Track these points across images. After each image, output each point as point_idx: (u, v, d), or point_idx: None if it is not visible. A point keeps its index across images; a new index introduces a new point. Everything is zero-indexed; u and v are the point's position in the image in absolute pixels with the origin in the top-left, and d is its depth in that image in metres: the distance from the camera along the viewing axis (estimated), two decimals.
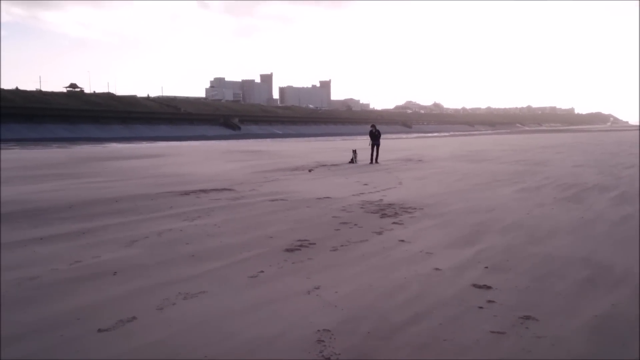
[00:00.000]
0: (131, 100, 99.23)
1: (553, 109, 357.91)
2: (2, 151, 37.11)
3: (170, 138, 74.60)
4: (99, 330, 4.62)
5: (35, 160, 26.75)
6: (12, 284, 5.89)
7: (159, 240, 7.98)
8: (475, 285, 5.75)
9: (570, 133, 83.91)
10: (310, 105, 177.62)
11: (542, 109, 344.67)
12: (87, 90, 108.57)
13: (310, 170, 16.10)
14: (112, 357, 4.15)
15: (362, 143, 38.56)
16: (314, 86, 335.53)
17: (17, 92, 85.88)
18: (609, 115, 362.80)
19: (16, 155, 31.32)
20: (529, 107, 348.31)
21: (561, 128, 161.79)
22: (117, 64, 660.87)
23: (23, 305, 5.25)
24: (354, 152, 24.06)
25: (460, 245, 7.60)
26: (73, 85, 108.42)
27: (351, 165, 22.80)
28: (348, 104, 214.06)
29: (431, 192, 13.36)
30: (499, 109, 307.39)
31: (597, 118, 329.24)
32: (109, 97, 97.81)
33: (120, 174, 18.74)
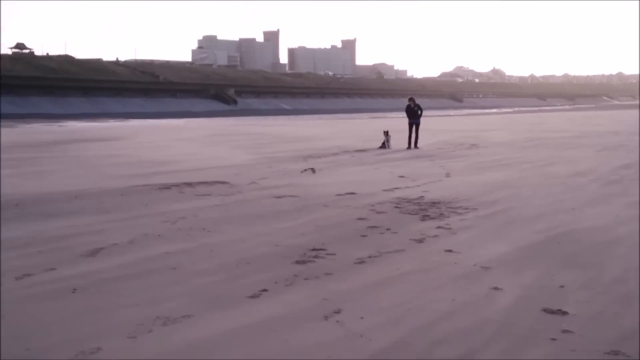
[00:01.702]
0: (95, 66, 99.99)
1: None
2: None
3: (146, 115, 75.12)
4: None
5: None
6: None
7: (130, 248, 8.03)
8: (546, 310, 5.71)
9: None
10: (329, 72, 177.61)
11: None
12: (37, 52, 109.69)
13: (313, 171, 16.00)
14: None
15: (398, 122, 38.54)
16: (334, 47, 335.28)
17: None
18: None
19: None
20: (619, 75, 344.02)
21: None
22: (78, 19, 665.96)
23: None
24: (386, 134, 24.02)
25: (527, 257, 7.53)
26: (20, 46, 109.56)
27: (382, 151, 22.78)
28: (379, 71, 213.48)
29: (489, 186, 13.26)
30: (579, 77, 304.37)
31: None
32: (66, 61, 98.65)
33: (81, 162, 18.91)
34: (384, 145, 23.62)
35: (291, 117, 74.84)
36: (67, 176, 15.29)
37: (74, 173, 15.98)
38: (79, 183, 13.88)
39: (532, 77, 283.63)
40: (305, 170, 16.16)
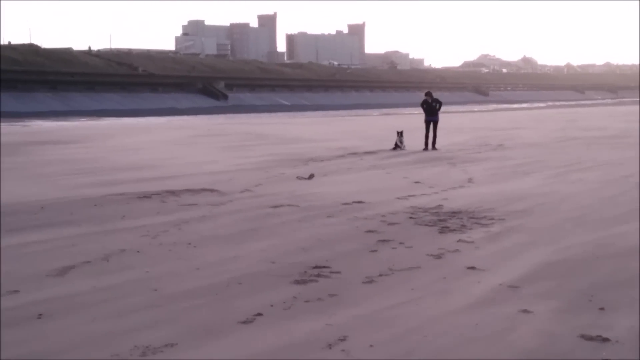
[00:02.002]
0: (65, 56, 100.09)
1: None
2: None
3: (123, 112, 75.18)
4: None
5: None
6: None
7: (105, 266, 8.04)
8: (584, 336, 5.71)
9: None
10: (334, 62, 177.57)
11: None
12: None
13: (310, 177, 15.86)
14: None
15: (413, 120, 38.53)
16: (339, 33, 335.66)
17: None
18: None
19: None
20: None
21: None
22: (44, 3, 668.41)
23: None
24: (399, 134, 24.02)
25: (561, 275, 7.54)
26: None
27: (395, 153, 22.78)
28: (391, 60, 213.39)
29: (517, 193, 13.26)
30: (623, 67, 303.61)
31: None
32: (31, 50, 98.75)
33: (48, 167, 18.92)
34: (396, 147, 23.63)
35: (290, 114, 74.82)
36: (32, 184, 15.30)
37: (40, 180, 15.98)
38: (45, 192, 13.88)
39: (568, 66, 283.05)
40: (302, 178, 15.92)
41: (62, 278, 7.57)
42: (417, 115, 32.40)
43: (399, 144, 23.69)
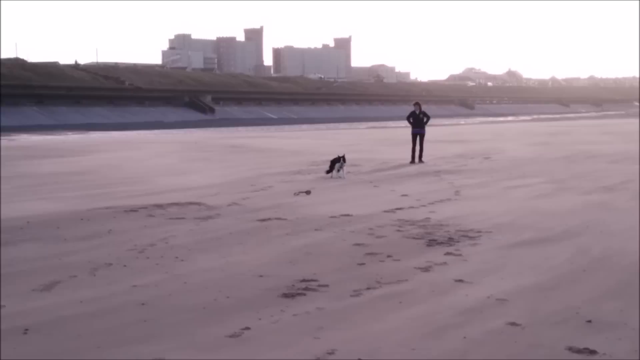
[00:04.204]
0: (51, 70, 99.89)
1: None
2: None
3: (110, 126, 75.01)
4: None
5: None
6: None
7: (92, 281, 8.00)
8: (572, 349, 5.72)
9: None
10: (321, 76, 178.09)
11: None
12: None
13: (307, 193, 15.65)
14: None
15: (400, 133, 38.54)
16: (325, 47, 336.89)
17: None
18: None
19: None
20: None
21: None
22: (30, 17, 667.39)
23: None
24: (339, 160, 19.81)
25: (549, 288, 7.56)
26: None
27: (382, 166, 22.79)
28: (378, 73, 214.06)
29: (504, 206, 13.30)
30: (606, 80, 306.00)
31: None
32: (17, 65, 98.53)
33: (34, 181, 18.82)
34: (330, 171, 19.57)
35: (278, 127, 74.91)
36: (18, 198, 15.21)
37: (26, 195, 15.90)
38: (32, 206, 13.81)
39: (553, 80, 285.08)
40: (299, 193, 15.77)
41: (48, 292, 7.52)
42: (404, 129, 32.49)
43: (336, 171, 19.47)
